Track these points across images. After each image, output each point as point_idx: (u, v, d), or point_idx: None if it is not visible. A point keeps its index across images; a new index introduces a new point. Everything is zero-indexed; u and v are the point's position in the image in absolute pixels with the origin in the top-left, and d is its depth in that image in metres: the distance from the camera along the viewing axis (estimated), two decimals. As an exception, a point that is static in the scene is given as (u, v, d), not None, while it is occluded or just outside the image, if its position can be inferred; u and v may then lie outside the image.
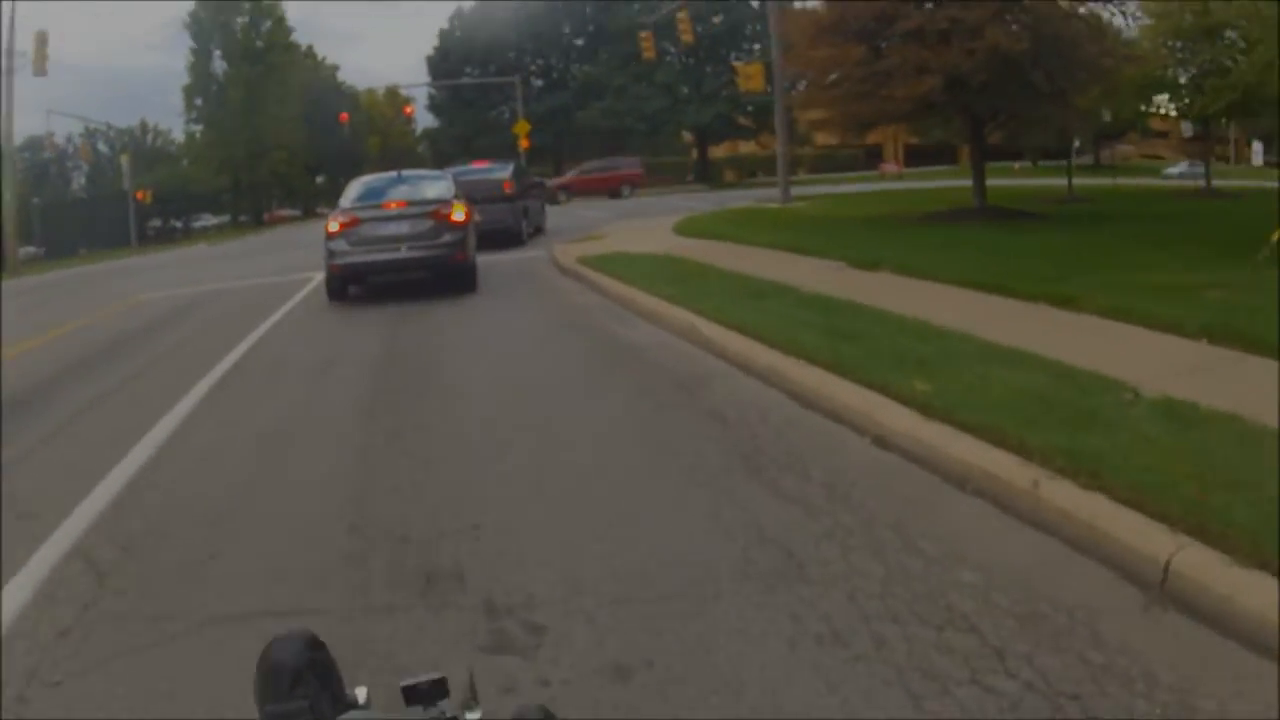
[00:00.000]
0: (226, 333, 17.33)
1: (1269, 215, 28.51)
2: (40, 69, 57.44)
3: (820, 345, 11.12)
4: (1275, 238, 13.19)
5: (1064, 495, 6.37)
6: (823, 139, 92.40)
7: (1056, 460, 6.78)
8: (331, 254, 19.75)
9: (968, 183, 33.77)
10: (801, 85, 38.60)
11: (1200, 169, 70.44)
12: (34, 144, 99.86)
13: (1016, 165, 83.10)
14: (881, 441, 8.34)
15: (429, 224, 19.61)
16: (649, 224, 36.25)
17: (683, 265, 20.33)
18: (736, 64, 66.98)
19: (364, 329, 17.02)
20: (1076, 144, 67.46)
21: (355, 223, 19.70)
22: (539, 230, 35.45)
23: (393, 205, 20.04)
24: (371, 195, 20.98)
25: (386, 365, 13.70)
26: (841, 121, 32.73)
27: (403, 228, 19.59)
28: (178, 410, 11.55)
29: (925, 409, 8.44)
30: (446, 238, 19.66)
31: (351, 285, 20.76)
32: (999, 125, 33.66)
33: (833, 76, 31.05)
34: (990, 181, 32.93)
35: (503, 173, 32.23)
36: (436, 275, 20.17)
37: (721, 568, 6.02)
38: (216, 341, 16.42)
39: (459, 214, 19.99)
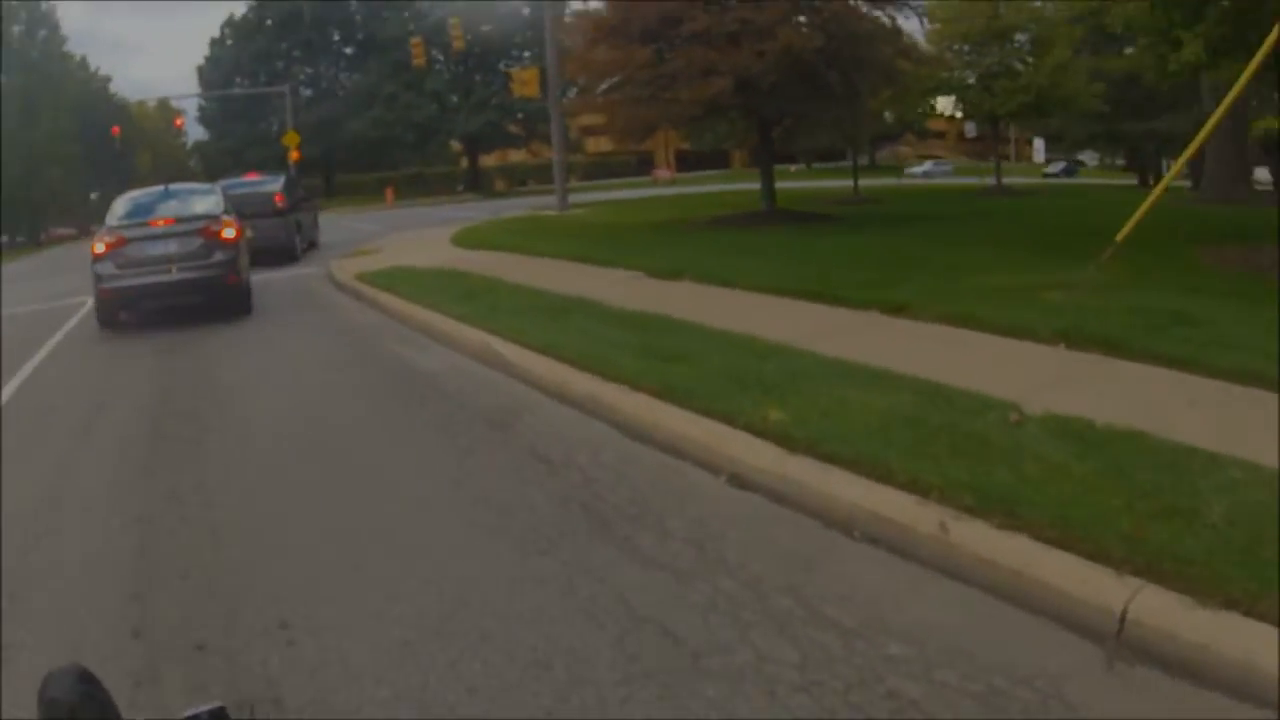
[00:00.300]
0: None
1: (1069, 211, 28.64)
2: None
3: (642, 368, 10.14)
4: (1120, 237, 12.62)
5: (980, 539, 5.58)
6: (594, 146, 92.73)
7: (961, 497, 5.95)
8: (99, 278, 18.10)
9: (745, 186, 33.37)
10: (574, 91, 37.76)
11: (947, 167, 71.44)
12: None
13: (793, 168, 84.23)
14: (739, 480, 7.35)
15: (199, 242, 18.28)
16: (424, 235, 35.84)
17: (468, 279, 19.37)
18: (511, 70, 66.13)
19: (135, 362, 15.48)
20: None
21: (122, 243, 18.11)
22: (313, 245, 34.43)
23: (160, 223, 18.61)
24: (138, 212, 19.48)
25: (161, 408, 12.10)
26: (623, 126, 31.61)
27: (171, 247, 18.20)
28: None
29: (784, 440, 7.46)
30: (218, 257, 18.35)
31: (123, 311, 19.19)
32: (786, 128, 33.22)
33: (613, 80, 30.32)
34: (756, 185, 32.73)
35: (274, 185, 30.70)
36: (209, 298, 18.83)
37: (598, 666, 4.91)
38: None
39: (229, 231, 18.74)
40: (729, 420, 8.14)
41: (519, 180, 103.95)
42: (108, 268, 18.04)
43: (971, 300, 12.25)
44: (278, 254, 27.68)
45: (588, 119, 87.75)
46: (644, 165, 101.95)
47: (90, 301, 19.60)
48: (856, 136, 45.47)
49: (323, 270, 25.85)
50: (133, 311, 19.20)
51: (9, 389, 13.88)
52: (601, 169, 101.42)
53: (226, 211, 19.51)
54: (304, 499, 8.16)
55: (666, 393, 9.15)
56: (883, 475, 6.51)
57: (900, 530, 5.96)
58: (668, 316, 13.16)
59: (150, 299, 18.68)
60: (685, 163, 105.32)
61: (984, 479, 6.15)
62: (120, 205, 20.01)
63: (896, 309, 12.47)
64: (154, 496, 8.43)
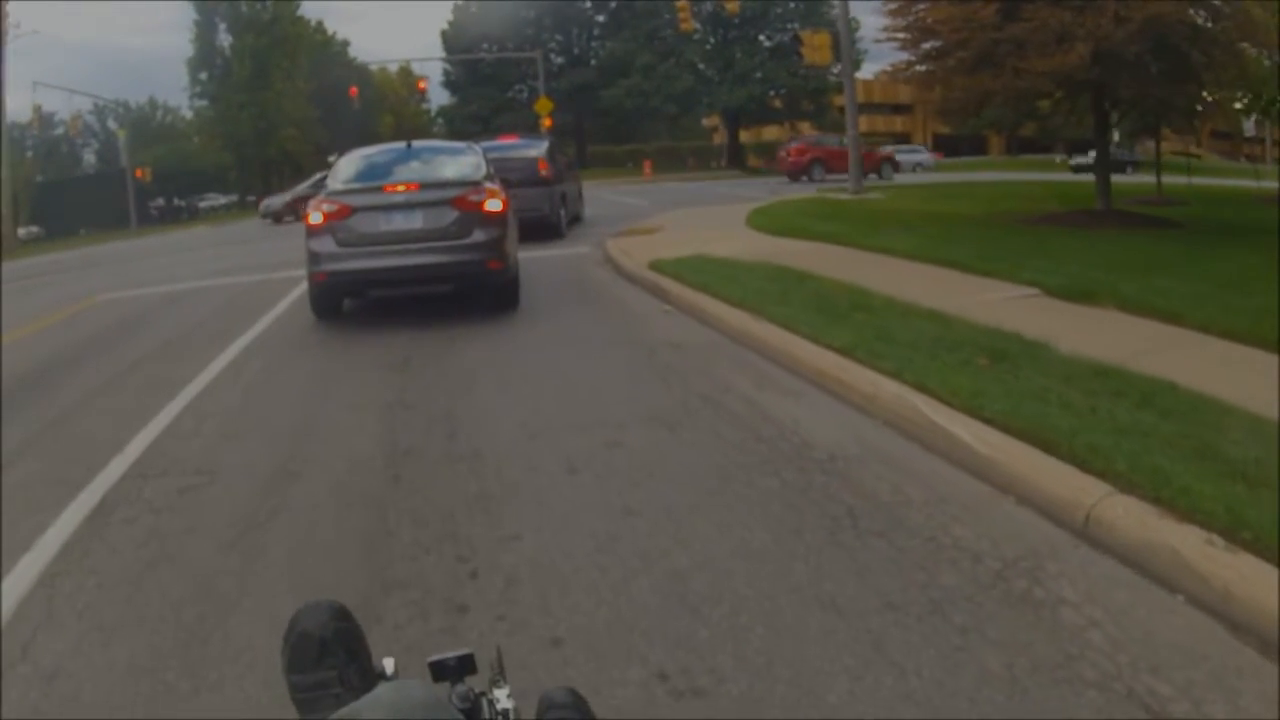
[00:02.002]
0: (161, 377, 12.11)
1: None
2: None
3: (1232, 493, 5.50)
4: None
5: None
6: (866, 124, 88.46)
7: None
8: (315, 257, 14.09)
9: (1019, 176, 27.80)
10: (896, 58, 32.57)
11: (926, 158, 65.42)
12: (45, 121, 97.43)
13: (1057, 159, 78.76)
14: None
15: (452, 216, 13.89)
16: (706, 215, 31.07)
17: (810, 282, 14.23)
18: (803, 33, 61.76)
19: (351, 386, 11.14)
20: (1115, 138, 63.72)
21: (347, 213, 13.93)
22: (577, 219, 30.55)
23: (401, 188, 14.27)
24: (371, 174, 15.21)
25: (384, 494, 7.47)
26: (952, 100, 26.32)
27: (415, 220, 13.91)
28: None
29: None
30: (477, 235, 13.94)
31: (346, 300, 15.44)
32: (1124, 112, 27.70)
33: (935, 44, 25.05)
34: (1034, 176, 27.08)
35: (537, 149, 26.76)
36: (464, 288, 14.72)
37: None
38: (135, 400, 11.17)
39: (494, 202, 14.26)
40: None
41: (772, 157, 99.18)
42: (326, 244, 13.97)
43: None
44: (540, 229, 23.38)
45: (907, 91, 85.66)
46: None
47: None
48: (1196, 128, 39.20)
49: (596, 251, 21.98)
50: (359, 299, 15.44)
51: (151, 430, 9.61)
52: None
53: (489, 177, 15.05)
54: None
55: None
56: None
57: None
58: (1167, 381, 8.09)
59: (382, 287, 14.75)
60: (941, 147, 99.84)
61: None
62: (347, 165, 15.76)
63: None
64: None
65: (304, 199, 32.70)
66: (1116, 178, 29.48)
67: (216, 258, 30.72)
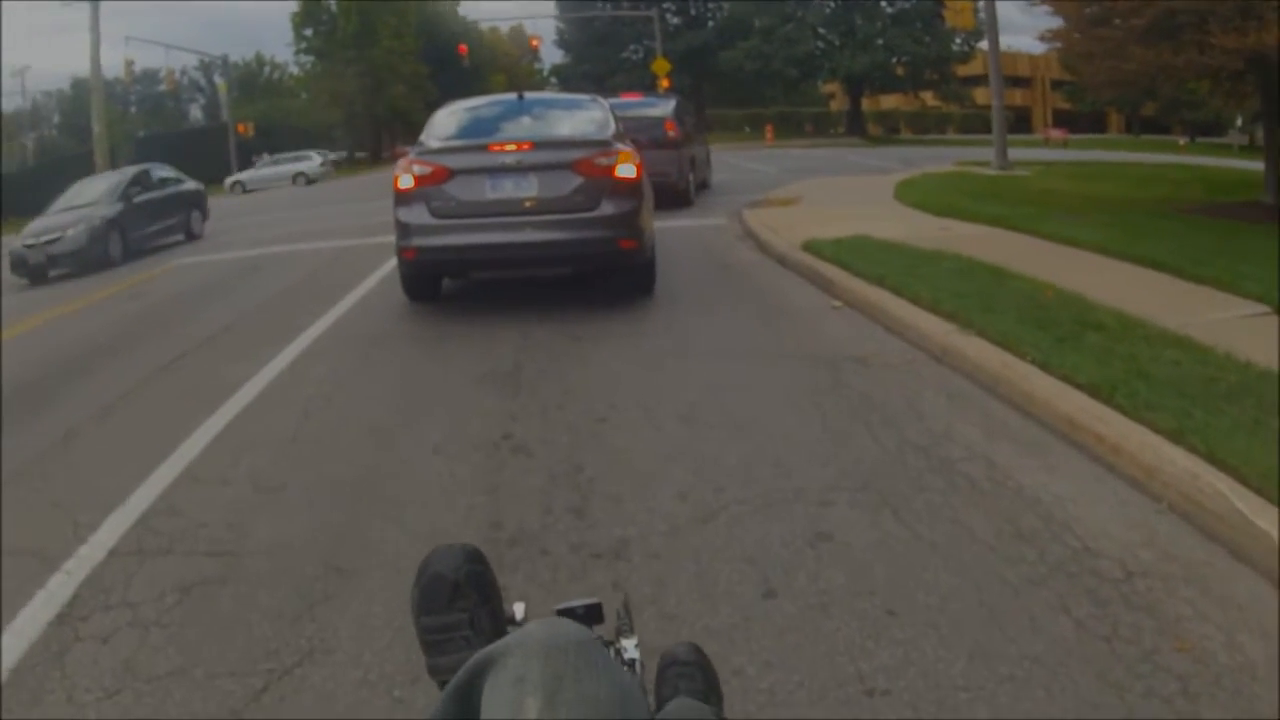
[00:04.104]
0: (192, 390, 9.71)
1: None
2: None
3: None
4: None
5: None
6: (985, 96, 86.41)
7: None
8: (404, 230, 11.52)
9: (1148, 158, 24.88)
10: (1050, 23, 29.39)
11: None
12: (149, 77, 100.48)
13: (1181, 141, 76.13)
14: None
15: (575, 182, 11.22)
16: (847, 185, 28.57)
17: (1013, 281, 11.35)
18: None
19: (447, 399, 8.61)
20: (1239, 122, 62.12)
21: (444, 176, 11.33)
22: (704, 185, 27.75)
23: (511, 147, 11.48)
24: (475, 130, 12.56)
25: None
26: (1133, 75, 23.05)
27: (529, 187, 11.24)
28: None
29: None
30: (606, 208, 11.25)
31: (443, 279, 13.03)
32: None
33: (1096, 8, 22.08)
34: (1164, 158, 24.19)
35: (663, 108, 24.35)
36: (587, 270, 12.51)
37: None
38: (142, 432, 8.64)
39: (626, 167, 11.50)
40: None
41: (891, 127, 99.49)
42: (418, 214, 11.43)
43: None
44: (666, 195, 20.46)
45: (974, 67, 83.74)
46: (1020, 122, 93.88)
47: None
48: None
49: (733, 223, 19.49)
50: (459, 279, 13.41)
51: (145, 494, 6.90)
52: (978, 122, 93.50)
53: (619, 136, 12.26)
54: None
55: None
56: None
57: None
58: None
59: (486, 268, 12.43)
60: (1062, 122, 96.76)
61: None
62: (446, 118, 13.07)
63: None
64: None
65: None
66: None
67: (312, 218, 29.08)
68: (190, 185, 29.17)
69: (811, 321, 10.89)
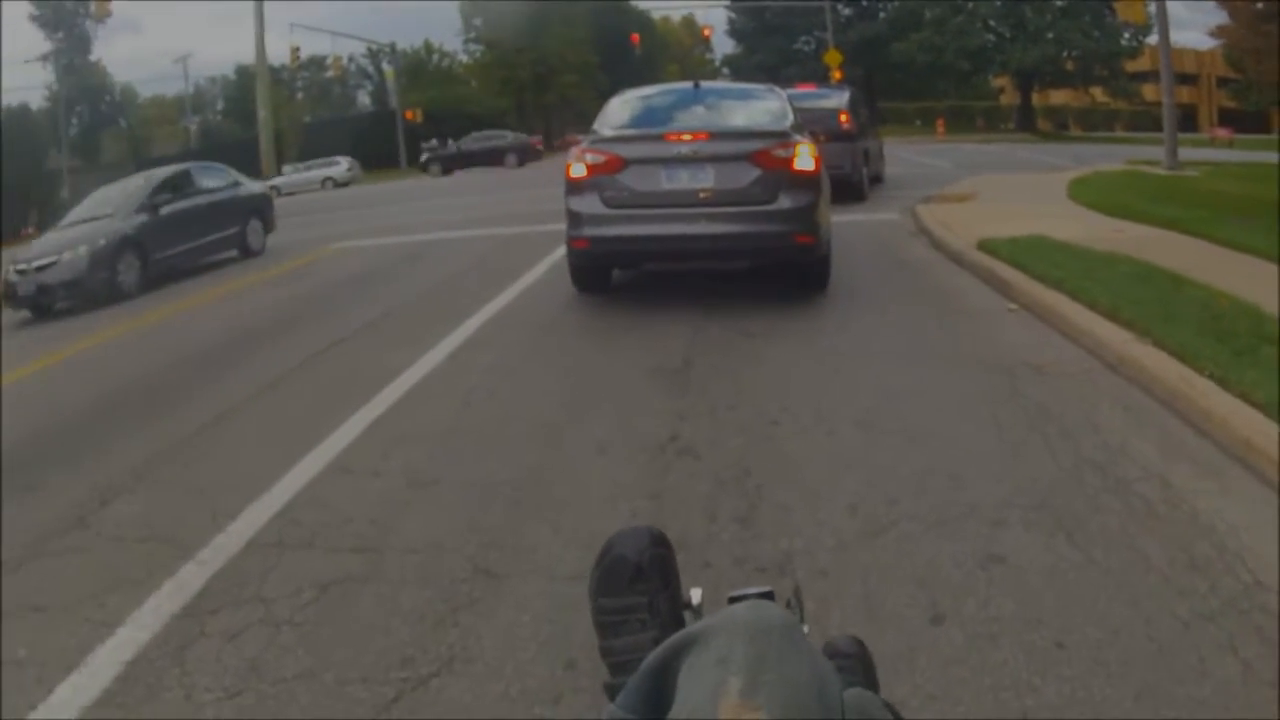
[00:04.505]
0: (353, 373, 9.68)
1: None
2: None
3: None
4: None
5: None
6: (1154, 93, 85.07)
7: None
8: (576, 219, 11.30)
9: None
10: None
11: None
12: (315, 64, 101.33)
13: None
14: None
15: (752, 175, 10.85)
16: (1020, 182, 27.58)
17: (1191, 289, 10.75)
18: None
19: (614, 393, 8.37)
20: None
21: (618, 165, 11.06)
22: (878, 179, 27.11)
23: (687, 137, 11.21)
24: (650, 119, 12.25)
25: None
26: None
27: (705, 179, 10.94)
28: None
29: None
30: (784, 202, 10.84)
31: (615, 270, 12.77)
32: None
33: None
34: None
35: (838, 99, 23.71)
36: (762, 264, 12.08)
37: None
38: (298, 416, 8.57)
39: (805, 159, 11.08)
40: None
41: (1059, 123, 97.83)
42: (591, 204, 11.16)
43: None
44: (840, 188, 19.42)
45: (1141, 64, 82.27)
46: (1186, 119, 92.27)
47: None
48: None
49: (906, 219, 18.87)
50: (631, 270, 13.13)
51: (289, 484, 6.74)
52: (1147, 120, 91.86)
53: (796, 128, 11.88)
54: None
55: None
56: None
57: None
58: None
59: (659, 260, 12.18)
60: (1228, 122, 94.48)
61: None
62: (620, 106, 12.79)
63: None
64: None
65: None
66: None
67: (480, 204, 29.14)
68: (249, 189, 23.78)
69: (987, 324, 10.45)
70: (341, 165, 66.16)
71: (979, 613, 4.56)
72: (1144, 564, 4.97)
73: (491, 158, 63.92)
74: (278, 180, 62.31)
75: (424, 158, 69.26)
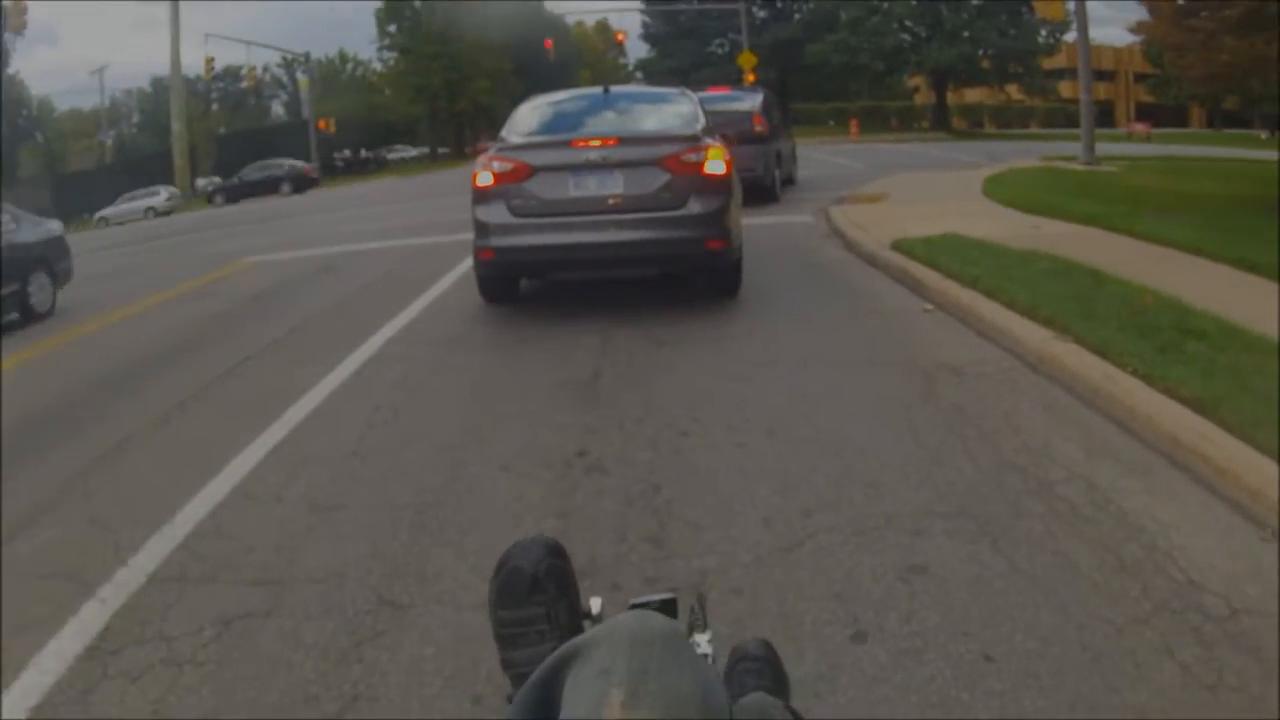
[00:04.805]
0: (262, 392, 9.40)
1: None
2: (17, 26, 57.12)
3: None
4: None
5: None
6: (1070, 90, 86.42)
7: None
8: (482, 229, 11.09)
9: (1251, 154, 24.39)
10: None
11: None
12: (230, 74, 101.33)
13: (1264, 135, 76.57)
14: None
15: (662, 179, 10.80)
16: (935, 181, 27.88)
17: (1110, 285, 10.81)
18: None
19: (523, 408, 8.17)
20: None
21: (525, 173, 10.89)
22: (790, 180, 27.45)
23: (595, 143, 11.03)
24: (558, 125, 12.14)
25: None
26: (1226, 68, 22.31)
27: (614, 185, 10.83)
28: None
29: None
30: (695, 206, 10.79)
31: (522, 280, 12.69)
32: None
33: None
34: (1250, 153, 23.61)
35: (751, 102, 23.87)
36: (672, 270, 12.08)
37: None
38: (201, 441, 8.23)
39: (715, 163, 11.02)
40: None
41: (974, 121, 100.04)
42: (497, 213, 10.99)
43: None
44: (753, 191, 19.77)
45: (1058, 61, 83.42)
46: (1103, 116, 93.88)
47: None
48: None
49: (819, 221, 19.05)
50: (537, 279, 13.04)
51: (212, 493, 6.75)
52: (1061, 116, 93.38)
53: (707, 131, 11.82)
54: None
55: None
56: None
57: None
58: None
59: (567, 269, 11.91)
60: (1145, 116, 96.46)
61: None
62: (528, 113, 12.69)
63: None
64: None
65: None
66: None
67: (392, 214, 28.94)
68: (34, 232, 17.48)
69: (903, 325, 10.42)
70: (161, 195, 65.29)
71: (902, 627, 4.47)
72: (1072, 569, 4.92)
73: (268, 187, 64.55)
74: (108, 211, 62.16)
75: (209, 189, 69.51)
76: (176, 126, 66.55)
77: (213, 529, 6.07)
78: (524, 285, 12.60)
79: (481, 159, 11.45)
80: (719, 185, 10.93)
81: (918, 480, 6.06)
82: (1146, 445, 6.50)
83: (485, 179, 10.99)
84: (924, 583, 4.82)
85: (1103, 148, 37.44)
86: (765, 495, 5.91)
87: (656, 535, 5.49)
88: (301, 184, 64.65)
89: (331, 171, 77.82)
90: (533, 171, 10.86)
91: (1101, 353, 8.03)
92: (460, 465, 6.82)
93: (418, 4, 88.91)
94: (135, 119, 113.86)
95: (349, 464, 7.03)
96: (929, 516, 5.54)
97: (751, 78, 59.51)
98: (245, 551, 5.68)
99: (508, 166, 10.94)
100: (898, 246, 13.92)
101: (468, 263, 13.17)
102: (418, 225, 23.04)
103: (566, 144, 11.11)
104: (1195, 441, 6.12)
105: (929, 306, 11.11)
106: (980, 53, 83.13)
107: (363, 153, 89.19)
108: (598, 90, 13.04)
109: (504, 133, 11.99)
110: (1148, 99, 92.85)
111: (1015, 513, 5.56)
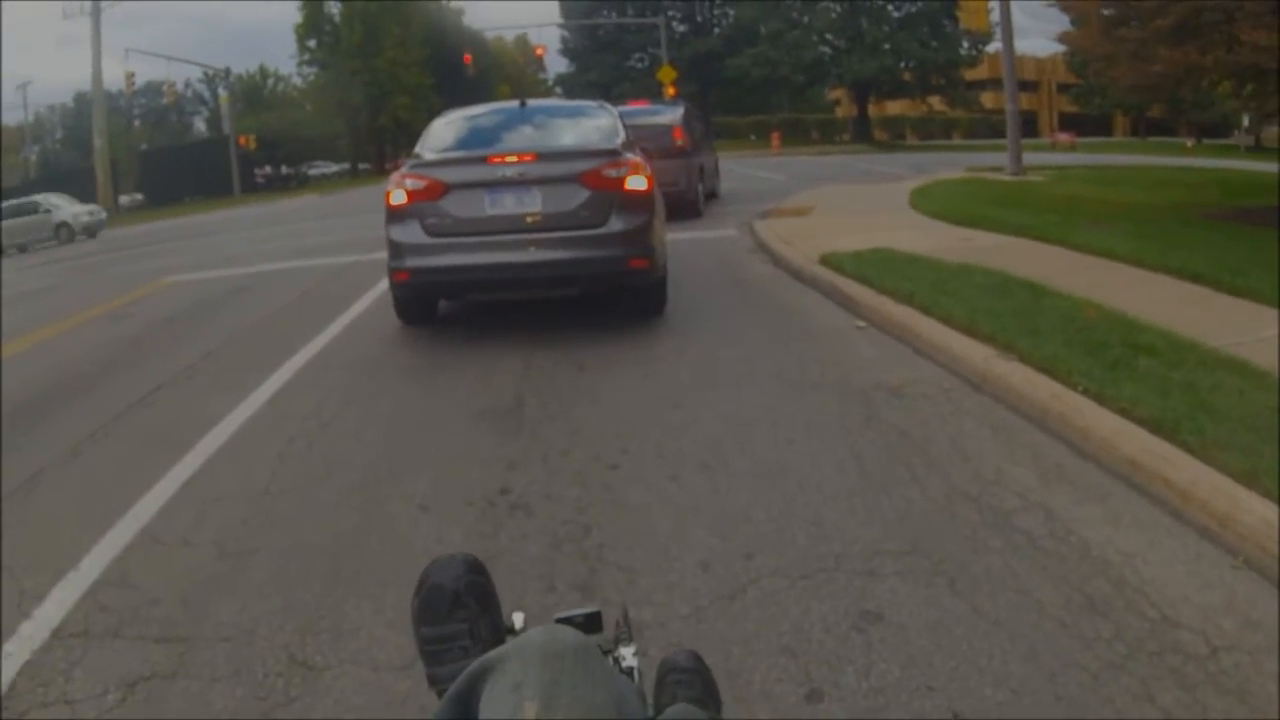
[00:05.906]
0: (169, 423, 9.00)
1: None
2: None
3: None
4: None
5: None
6: (993, 101, 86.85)
7: None
8: (397, 250, 10.73)
9: (1177, 161, 24.51)
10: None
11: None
12: (152, 90, 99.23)
13: (1189, 143, 77.57)
14: None
15: (582, 196, 10.46)
16: (860, 193, 27.88)
17: (1051, 299, 10.56)
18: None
19: (441, 441, 7.79)
20: (1246, 123, 63.15)
21: (439, 191, 10.53)
22: (713, 194, 27.31)
23: (512, 159, 10.64)
24: (474, 141, 11.78)
25: None
26: (1158, 78, 22.18)
27: (531, 202, 10.44)
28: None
29: None
30: (616, 224, 10.46)
31: (440, 301, 12.31)
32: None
33: (1115, 10, 21.54)
34: (1176, 161, 23.74)
35: (671, 115, 23.54)
36: (594, 290, 11.66)
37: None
38: (98, 486, 7.71)
39: (637, 179, 10.71)
40: None
41: (896, 133, 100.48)
42: (412, 233, 10.65)
43: None
44: (676, 206, 19.67)
45: (980, 72, 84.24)
46: (1027, 126, 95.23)
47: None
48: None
49: (744, 235, 18.88)
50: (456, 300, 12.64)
51: (119, 535, 6.37)
52: (984, 128, 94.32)
53: (628, 146, 11.49)
54: None
55: None
56: None
57: None
58: None
59: (485, 291, 11.57)
60: (1069, 126, 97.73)
61: None
62: (442, 128, 12.34)
63: None
64: None
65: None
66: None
67: (313, 231, 28.59)
68: None
69: (835, 344, 10.12)
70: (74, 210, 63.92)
71: (860, 683, 4.17)
72: (1037, 609, 4.65)
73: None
74: None
75: None
76: (98, 142, 66.04)
77: (119, 576, 5.69)
78: (443, 306, 12.28)
79: (394, 176, 11.08)
80: (641, 201, 10.62)
81: (865, 514, 5.76)
82: (1103, 468, 6.25)
83: (399, 197, 10.64)
84: (880, 631, 4.52)
85: (1029, 158, 37.58)
86: (702, 536, 5.59)
87: (586, 582, 5.16)
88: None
89: (253, 188, 77.20)
90: (447, 189, 10.52)
91: (1048, 371, 7.79)
92: (377, 504, 6.46)
93: (338, 17, 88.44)
94: (59, 135, 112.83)
95: (261, 503, 6.63)
96: (879, 555, 5.24)
97: (672, 91, 59.34)
98: (150, 604, 5.30)
99: (421, 184, 10.59)
100: (826, 261, 13.67)
101: (385, 283, 12.87)
102: (338, 243, 22.61)
103: (482, 160, 10.75)
104: (1156, 465, 5.88)
105: (861, 324, 10.86)
106: (902, 65, 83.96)
107: (284, 169, 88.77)
108: (514, 104, 12.73)
109: (418, 149, 11.66)
110: (1071, 108, 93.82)
111: (971, 548, 5.28)
